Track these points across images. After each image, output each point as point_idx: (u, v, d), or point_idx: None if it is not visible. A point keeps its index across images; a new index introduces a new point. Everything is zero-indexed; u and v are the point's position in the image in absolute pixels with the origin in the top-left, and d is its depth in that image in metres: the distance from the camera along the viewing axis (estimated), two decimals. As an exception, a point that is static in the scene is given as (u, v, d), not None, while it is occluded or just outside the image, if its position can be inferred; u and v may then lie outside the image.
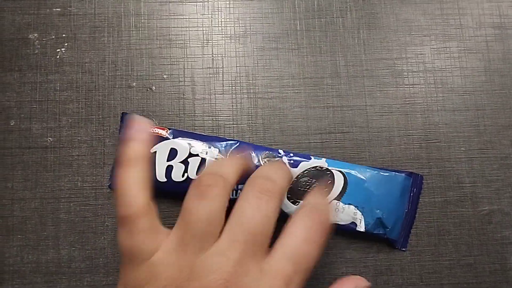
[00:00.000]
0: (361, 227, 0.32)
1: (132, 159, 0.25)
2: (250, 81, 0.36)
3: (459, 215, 0.35)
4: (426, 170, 0.35)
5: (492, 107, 0.36)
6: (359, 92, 0.36)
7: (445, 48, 0.37)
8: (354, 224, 0.32)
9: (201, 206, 0.23)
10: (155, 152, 0.32)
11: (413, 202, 0.34)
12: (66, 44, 0.36)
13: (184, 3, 0.37)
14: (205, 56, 0.37)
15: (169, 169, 0.32)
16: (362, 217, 0.32)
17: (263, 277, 0.22)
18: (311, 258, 0.24)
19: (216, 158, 0.32)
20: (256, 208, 0.23)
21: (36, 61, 0.36)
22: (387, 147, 0.35)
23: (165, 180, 0.32)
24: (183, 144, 0.32)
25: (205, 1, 0.38)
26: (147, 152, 0.25)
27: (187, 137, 0.33)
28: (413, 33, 0.38)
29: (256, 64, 0.37)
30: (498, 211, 0.35)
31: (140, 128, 0.26)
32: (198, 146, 0.33)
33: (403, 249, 0.34)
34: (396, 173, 0.33)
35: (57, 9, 0.37)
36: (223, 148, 0.33)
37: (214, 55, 0.37)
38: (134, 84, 0.36)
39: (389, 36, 0.37)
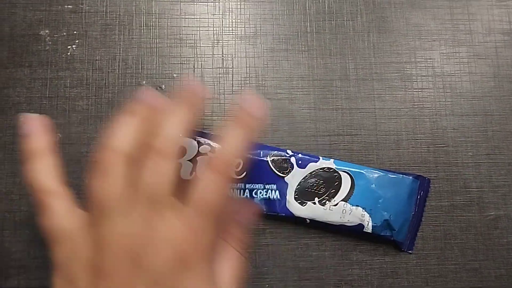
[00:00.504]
0: (368, 229, 0.32)
1: (35, 152, 0.26)
2: (260, 82, 0.36)
3: (466, 220, 0.35)
4: (433, 174, 0.35)
5: (500, 113, 0.36)
6: (368, 95, 0.36)
7: (454, 53, 0.38)
8: (361, 225, 0.32)
9: (102, 183, 0.24)
10: None
11: (420, 204, 0.34)
12: (77, 41, 0.36)
13: (195, 3, 0.38)
14: (215, 56, 0.37)
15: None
16: (370, 218, 0.32)
17: (170, 228, 0.23)
18: (215, 205, 0.24)
19: None
20: (150, 170, 0.24)
21: (46, 58, 0.36)
22: (395, 150, 0.35)
23: None
24: (192, 143, 0.33)
25: (216, 1, 0.38)
26: (47, 143, 0.27)
27: (197, 135, 0.33)
28: (422, 37, 0.38)
29: (265, 65, 0.37)
30: (505, 217, 0.35)
31: (34, 124, 0.27)
32: (207, 145, 0.33)
33: (409, 251, 0.34)
34: (404, 175, 0.34)
35: (69, 6, 0.37)
36: None
37: (224, 55, 0.37)
38: (144, 82, 0.36)
39: (399, 40, 0.38)
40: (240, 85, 0.36)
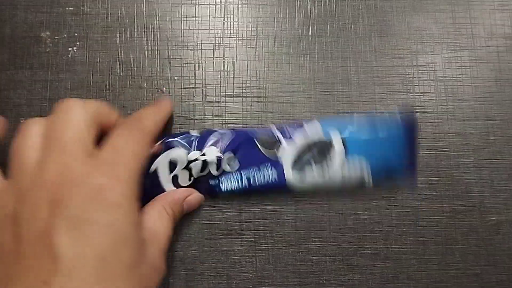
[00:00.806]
0: (369, 183, 0.33)
1: None
2: (261, 85, 0.36)
3: (467, 225, 0.35)
4: (434, 178, 0.35)
5: (502, 117, 0.36)
6: (370, 99, 0.36)
7: (456, 57, 0.37)
8: (363, 180, 0.33)
9: (19, 143, 0.27)
10: (156, 169, 0.32)
11: (411, 138, 0.34)
12: (78, 43, 0.36)
13: (197, 5, 0.38)
14: (216, 59, 0.37)
15: (175, 178, 0.32)
16: (369, 167, 0.33)
17: (84, 170, 0.24)
18: (131, 153, 0.26)
19: (217, 156, 0.32)
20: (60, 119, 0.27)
21: (47, 60, 0.36)
22: (397, 154, 0.35)
23: (175, 188, 0.32)
24: (180, 154, 0.32)
25: (218, 4, 0.38)
26: None
27: (179, 143, 0.33)
28: (424, 41, 0.38)
29: (267, 68, 0.37)
30: (506, 222, 0.35)
31: None
32: (194, 152, 0.32)
33: (416, 185, 0.34)
34: (388, 115, 0.34)
35: (70, 8, 0.37)
36: (217, 143, 0.33)
37: (226, 58, 0.37)
38: (145, 85, 0.36)
39: (401, 43, 0.37)
40: (241, 88, 0.36)
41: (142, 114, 0.30)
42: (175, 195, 0.31)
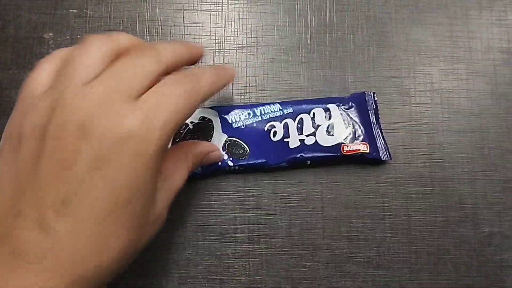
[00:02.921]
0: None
1: None
2: (259, 92, 0.37)
3: (460, 236, 0.35)
4: (429, 189, 0.35)
5: (497, 130, 0.37)
6: (366, 108, 0.37)
7: (453, 70, 0.38)
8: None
9: (78, 56, 0.24)
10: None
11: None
12: (80, 45, 0.37)
13: (198, 12, 0.38)
14: (216, 64, 0.37)
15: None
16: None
17: (124, 109, 0.22)
18: (176, 103, 0.24)
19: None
20: (132, 63, 0.24)
21: (49, 60, 0.36)
22: (391, 164, 0.36)
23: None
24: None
25: (219, 11, 0.38)
26: None
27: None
28: (422, 53, 0.38)
29: (266, 75, 0.37)
30: (499, 234, 0.35)
31: None
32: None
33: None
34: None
35: (74, 11, 0.37)
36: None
37: (225, 64, 0.37)
38: (145, 88, 0.36)
39: (399, 55, 0.38)
40: (240, 94, 0.37)
41: (202, 74, 0.27)
42: (201, 148, 0.31)
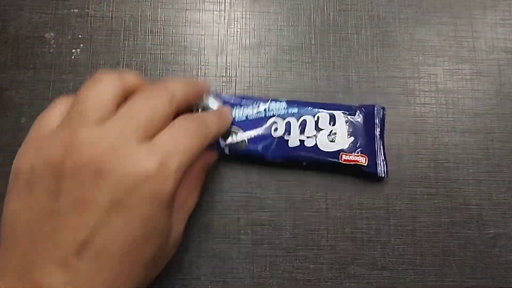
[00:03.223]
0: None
1: None
2: (263, 92, 0.36)
3: (465, 237, 0.35)
4: (433, 189, 0.35)
5: (501, 131, 0.37)
6: (370, 108, 0.36)
7: (457, 70, 0.38)
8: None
9: (90, 92, 0.24)
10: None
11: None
12: (81, 45, 0.37)
13: (201, 11, 0.38)
14: (219, 64, 0.37)
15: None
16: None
17: (140, 152, 0.23)
18: (189, 146, 0.25)
19: None
20: (145, 104, 0.24)
21: (50, 60, 0.36)
22: (396, 165, 0.35)
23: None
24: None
25: (222, 10, 0.38)
26: None
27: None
28: (426, 53, 0.38)
29: (269, 75, 0.37)
30: (504, 235, 0.35)
31: None
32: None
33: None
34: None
35: (75, 10, 0.37)
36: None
37: (228, 64, 0.37)
38: (147, 88, 0.36)
39: (403, 54, 0.38)
40: (243, 94, 0.36)
41: (209, 119, 0.28)
42: (204, 160, 0.32)
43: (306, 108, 0.35)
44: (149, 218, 0.23)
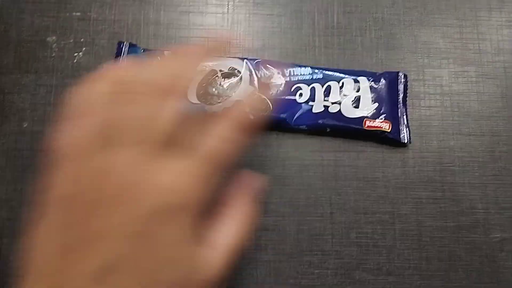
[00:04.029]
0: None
1: None
2: (266, 95, 0.36)
3: (471, 241, 0.34)
4: (439, 193, 0.35)
5: (508, 133, 0.36)
6: (375, 111, 0.36)
7: (463, 72, 0.37)
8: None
9: (110, 114, 0.22)
10: None
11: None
12: (84, 48, 0.36)
13: (204, 14, 0.37)
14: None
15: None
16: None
17: (166, 173, 0.21)
18: (226, 157, 0.22)
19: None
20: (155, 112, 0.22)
21: (52, 64, 0.36)
22: (401, 168, 0.35)
23: None
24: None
25: (225, 13, 0.38)
26: None
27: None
28: (431, 55, 0.37)
29: (272, 78, 0.37)
30: (511, 239, 0.34)
31: None
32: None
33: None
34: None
35: (77, 14, 0.37)
36: None
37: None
38: (150, 92, 0.36)
39: (407, 57, 0.37)
40: (246, 98, 0.36)
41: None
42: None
43: (331, 73, 0.35)
44: (173, 246, 0.21)
